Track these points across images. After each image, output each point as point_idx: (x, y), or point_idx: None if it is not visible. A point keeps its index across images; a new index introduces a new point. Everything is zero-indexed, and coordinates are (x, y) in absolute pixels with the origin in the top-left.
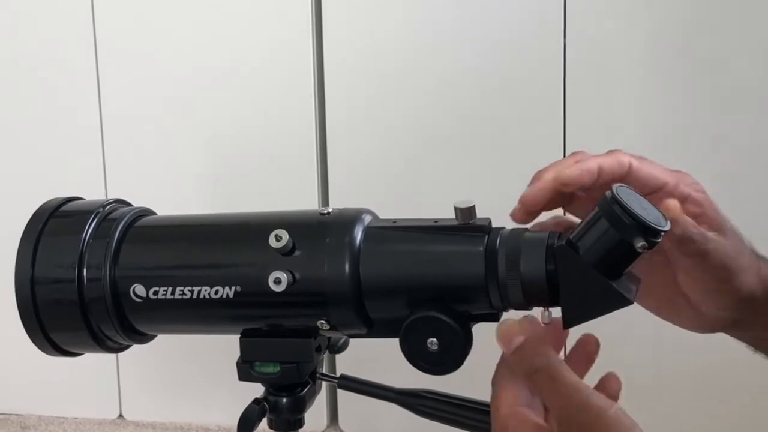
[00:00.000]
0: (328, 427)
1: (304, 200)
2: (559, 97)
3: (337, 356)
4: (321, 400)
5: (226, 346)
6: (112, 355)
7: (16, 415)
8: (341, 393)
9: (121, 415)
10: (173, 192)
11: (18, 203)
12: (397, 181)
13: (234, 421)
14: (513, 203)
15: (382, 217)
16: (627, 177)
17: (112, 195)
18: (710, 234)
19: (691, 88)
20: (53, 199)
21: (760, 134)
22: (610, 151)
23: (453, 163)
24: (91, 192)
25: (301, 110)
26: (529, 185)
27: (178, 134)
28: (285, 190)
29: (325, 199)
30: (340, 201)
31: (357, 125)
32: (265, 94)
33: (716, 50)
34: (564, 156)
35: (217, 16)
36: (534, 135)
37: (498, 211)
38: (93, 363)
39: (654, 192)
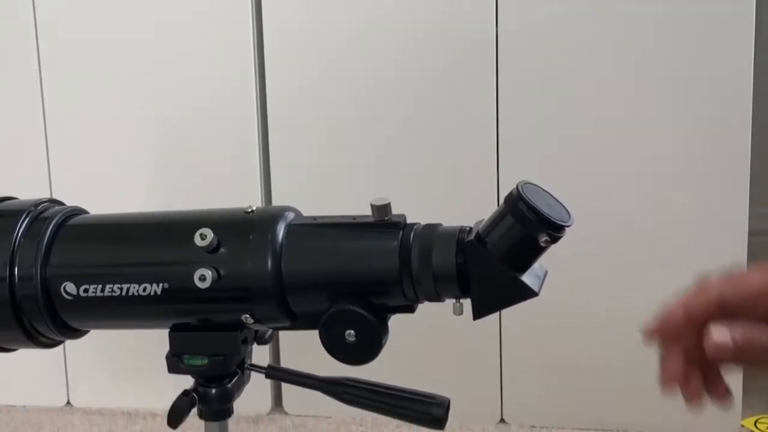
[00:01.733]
0: (272, 410)
1: (247, 192)
2: (492, 90)
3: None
4: (265, 384)
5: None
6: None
7: None
8: None
9: (69, 402)
10: (117, 186)
11: None
12: (336, 170)
13: None
14: (443, 196)
15: (314, 211)
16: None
17: (57, 189)
18: None
19: (628, 77)
20: None
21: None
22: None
23: (387, 153)
24: (35, 188)
25: (243, 102)
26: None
27: (122, 126)
28: (228, 183)
29: (267, 189)
30: (282, 192)
31: (298, 116)
32: (208, 85)
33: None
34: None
35: (160, 4)
36: (467, 126)
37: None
38: (41, 352)
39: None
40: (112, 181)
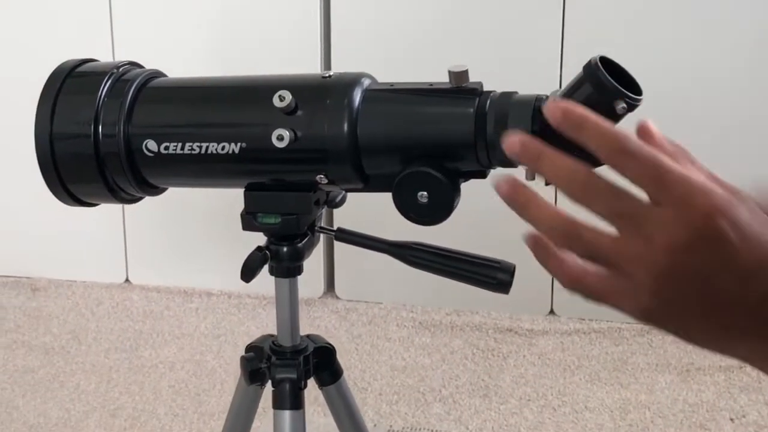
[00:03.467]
0: (324, 294)
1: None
2: None
3: (336, 213)
4: (318, 269)
5: (230, 213)
6: (119, 222)
7: (27, 278)
8: (337, 262)
9: (127, 280)
10: (181, 53)
11: (29, 63)
12: (400, 47)
13: (235, 287)
14: (511, 69)
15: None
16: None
17: (118, 49)
18: None
19: None
20: (68, 61)
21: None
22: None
23: (454, 36)
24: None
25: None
26: None
27: (188, 17)
28: (289, 55)
29: (327, 61)
30: (341, 65)
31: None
32: None
33: None
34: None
35: None
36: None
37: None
38: (101, 229)
39: None
40: (174, 44)
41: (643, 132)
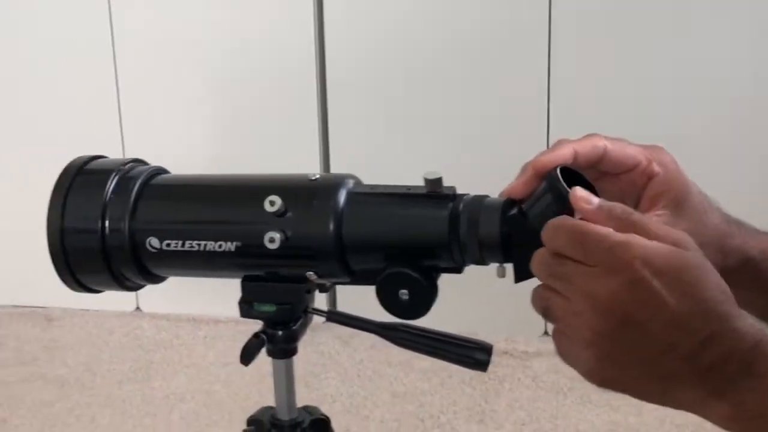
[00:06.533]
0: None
1: (305, 149)
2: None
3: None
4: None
5: None
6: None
7: (42, 308)
8: (339, 288)
9: (138, 308)
10: (184, 140)
11: (41, 150)
12: (393, 127)
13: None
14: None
15: (369, 172)
16: (603, 159)
17: (127, 139)
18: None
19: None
20: (79, 158)
21: None
22: (587, 135)
23: (443, 119)
24: (108, 137)
25: (301, 62)
26: (516, 177)
27: (188, 85)
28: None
29: (325, 140)
30: (338, 142)
31: (357, 80)
32: (269, 45)
33: None
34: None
35: None
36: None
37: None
38: None
39: (628, 171)
40: (177, 130)
41: (575, 202)
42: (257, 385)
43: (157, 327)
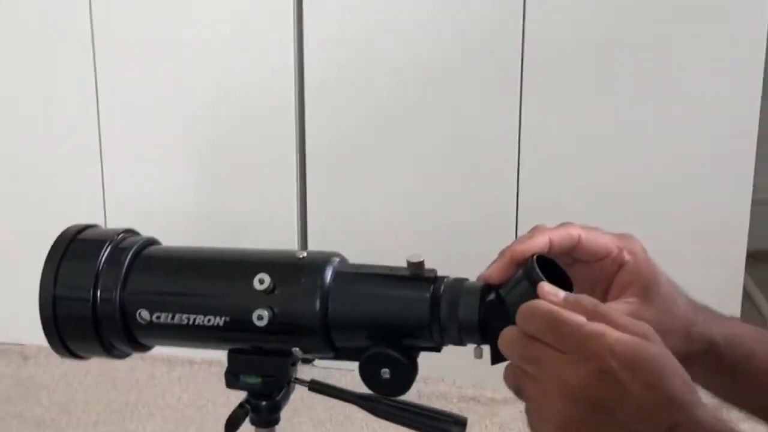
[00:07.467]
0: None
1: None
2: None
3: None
4: None
5: None
6: None
7: (18, 345)
8: None
9: None
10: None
11: (17, 188)
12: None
13: (215, 354)
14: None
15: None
16: (576, 248)
17: (108, 185)
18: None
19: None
20: (73, 226)
21: None
22: (563, 224)
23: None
24: (89, 180)
25: (281, 103)
26: (492, 262)
27: (167, 123)
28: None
29: (302, 175)
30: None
31: (334, 109)
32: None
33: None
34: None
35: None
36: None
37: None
38: None
39: (601, 260)
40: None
41: (543, 296)
42: None
43: (131, 367)
